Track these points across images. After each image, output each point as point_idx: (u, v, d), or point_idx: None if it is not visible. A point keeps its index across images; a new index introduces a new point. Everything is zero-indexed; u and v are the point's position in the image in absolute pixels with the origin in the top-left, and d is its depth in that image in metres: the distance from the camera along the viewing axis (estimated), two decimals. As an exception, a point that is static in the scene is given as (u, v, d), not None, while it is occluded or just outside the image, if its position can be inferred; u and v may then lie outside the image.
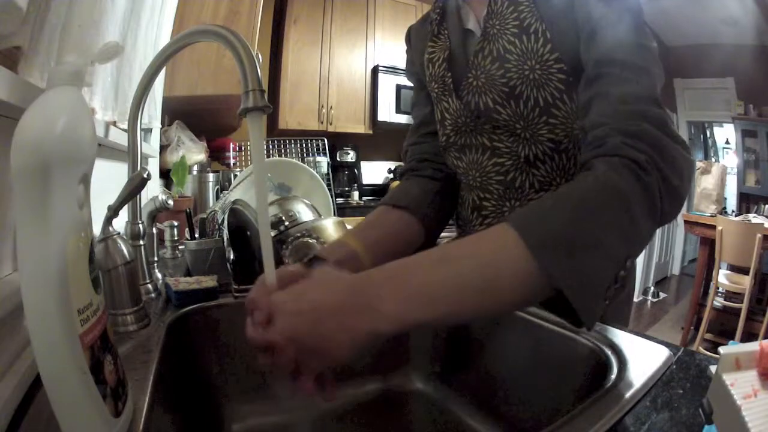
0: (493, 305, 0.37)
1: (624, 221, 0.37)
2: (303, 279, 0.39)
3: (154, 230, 0.85)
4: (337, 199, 2.94)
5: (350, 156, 3.30)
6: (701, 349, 2.56)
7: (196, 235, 0.88)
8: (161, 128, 1.51)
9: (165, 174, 1.55)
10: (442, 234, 0.72)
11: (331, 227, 0.78)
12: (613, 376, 0.41)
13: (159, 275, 0.77)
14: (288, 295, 0.37)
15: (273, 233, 0.79)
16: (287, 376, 0.37)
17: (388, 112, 3.17)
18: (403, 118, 3.17)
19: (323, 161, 2.76)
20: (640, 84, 0.46)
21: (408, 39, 0.78)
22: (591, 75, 0.50)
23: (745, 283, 2.54)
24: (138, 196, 0.63)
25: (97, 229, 0.48)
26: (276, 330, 0.35)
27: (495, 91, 0.59)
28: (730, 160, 4.13)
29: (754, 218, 2.87)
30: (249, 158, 2.35)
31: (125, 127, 0.75)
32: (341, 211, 2.67)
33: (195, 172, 1.66)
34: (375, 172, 3.48)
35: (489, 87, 0.60)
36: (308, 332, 0.35)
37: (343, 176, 3.31)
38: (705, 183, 3.15)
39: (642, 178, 0.39)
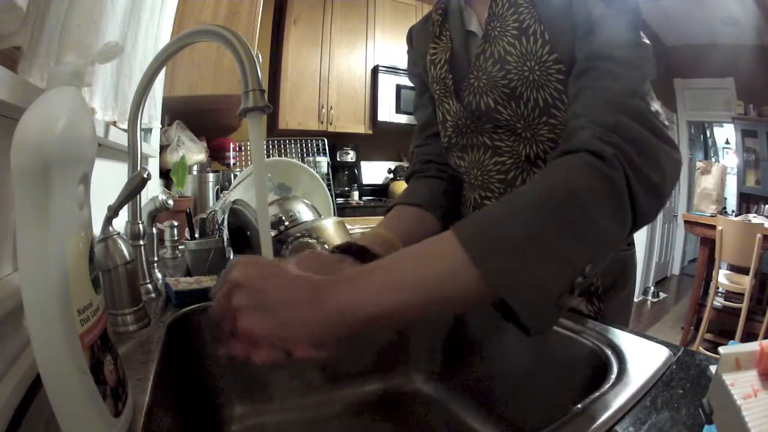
0: (436, 305, 0.36)
1: (581, 224, 0.35)
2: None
3: (154, 230, 0.85)
4: (337, 199, 2.93)
5: (350, 156, 3.29)
6: (701, 349, 2.56)
7: (196, 235, 0.88)
8: (161, 128, 1.51)
9: (165, 174, 1.55)
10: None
11: (331, 227, 0.78)
12: (613, 376, 0.41)
13: (159, 275, 0.77)
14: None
15: (273, 233, 0.79)
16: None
17: (388, 112, 3.16)
18: (403, 118, 3.16)
19: (323, 161, 2.76)
20: (625, 78, 0.45)
21: (409, 40, 0.78)
22: (580, 69, 0.50)
23: (745, 283, 2.54)
24: (138, 196, 0.63)
25: (97, 229, 0.48)
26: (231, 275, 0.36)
27: (496, 92, 0.59)
28: (730, 160, 4.14)
29: (754, 218, 2.87)
30: (249, 158, 2.35)
31: (125, 127, 0.75)
32: (341, 211, 2.66)
33: (195, 172, 1.66)
34: (375, 172, 3.48)
35: (490, 88, 0.60)
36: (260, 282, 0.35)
37: (343, 176, 3.31)
38: (705, 183, 3.15)
39: (607, 175, 0.37)
